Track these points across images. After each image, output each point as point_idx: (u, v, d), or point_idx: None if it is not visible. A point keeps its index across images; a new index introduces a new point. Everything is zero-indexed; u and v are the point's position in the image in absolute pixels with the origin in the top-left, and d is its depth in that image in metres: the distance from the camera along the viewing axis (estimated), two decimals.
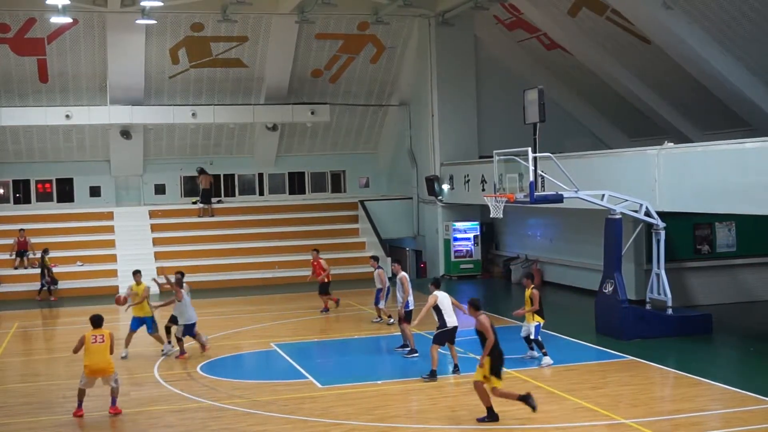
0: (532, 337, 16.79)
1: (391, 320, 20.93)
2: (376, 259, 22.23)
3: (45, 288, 28.57)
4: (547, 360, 16.50)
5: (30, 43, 29.48)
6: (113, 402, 14.06)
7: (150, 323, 18.58)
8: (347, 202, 35.18)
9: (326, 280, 23.95)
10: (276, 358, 18.38)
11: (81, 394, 14.01)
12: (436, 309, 15.73)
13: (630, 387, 14.79)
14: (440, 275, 31.26)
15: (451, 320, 15.73)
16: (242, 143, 34.93)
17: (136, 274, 18.76)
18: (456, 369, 15.98)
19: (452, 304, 15.92)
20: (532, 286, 16.84)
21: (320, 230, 33.52)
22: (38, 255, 30.03)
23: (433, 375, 15.51)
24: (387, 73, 33.84)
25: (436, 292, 15.89)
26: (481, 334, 13.01)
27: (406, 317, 17.80)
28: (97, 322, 14.11)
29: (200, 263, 30.92)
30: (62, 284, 29.43)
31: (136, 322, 18.55)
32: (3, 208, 32.78)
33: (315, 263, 24.21)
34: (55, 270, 29.93)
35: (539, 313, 16.71)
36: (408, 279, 18.30)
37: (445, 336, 15.74)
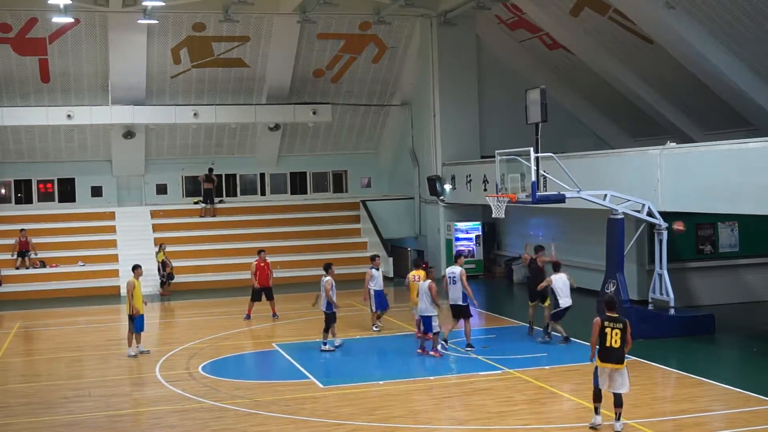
0: (627, 389, 12.68)
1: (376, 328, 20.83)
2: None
3: (164, 282, 29.03)
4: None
5: (31, 43, 29.46)
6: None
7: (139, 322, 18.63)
8: (349, 202, 35.17)
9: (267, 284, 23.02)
10: (278, 358, 18.36)
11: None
12: (552, 291, 18.16)
13: (632, 387, 14.61)
14: (442, 275, 31.23)
15: (563, 301, 18.02)
16: (244, 143, 34.91)
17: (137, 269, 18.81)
18: (566, 340, 18.36)
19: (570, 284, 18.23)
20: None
21: (322, 230, 33.54)
22: (39, 255, 30.14)
23: (567, 340, 18.27)
24: (389, 72, 33.81)
25: (553, 276, 18.19)
26: None
27: (466, 313, 17.98)
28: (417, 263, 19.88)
29: (202, 263, 30.92)
30: (63, 284, 29.47)
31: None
32: (4, 208, 32.76)
33: (262, 265, 23.16)
34: (55, 270, 29.98)
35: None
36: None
37: (560, 314, 18.21)
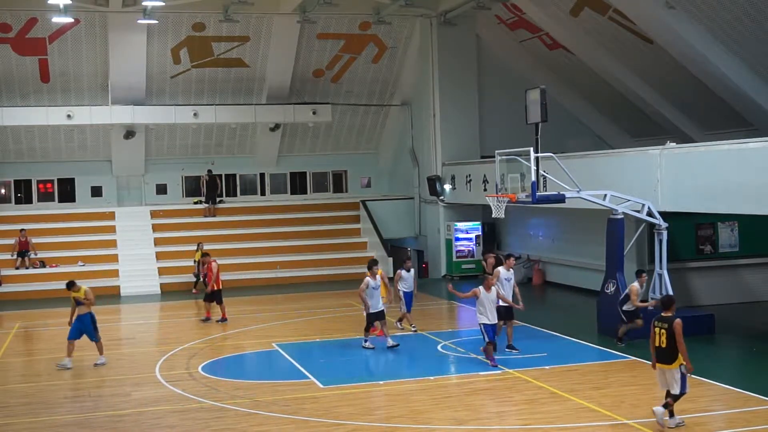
0: (677, 391, 12.35)
1: (414, 327, 20.70)
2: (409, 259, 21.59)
3: (200, 281, 28.74)
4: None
5: (31, 43, 29.47)
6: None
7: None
8: (349, 202, 35.17)
9: (216, 287, 22.90)
10: (278, 358, 18.36)
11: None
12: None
13: (632, 387, 14.75)
14: (442, 275, 31.31)
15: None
16: (244, 143, 34.91)
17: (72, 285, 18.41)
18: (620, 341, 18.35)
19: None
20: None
21: (321, 230, 33.54)
22: (38, 255, 30.13)
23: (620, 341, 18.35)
24: (388, 72, 33.81)
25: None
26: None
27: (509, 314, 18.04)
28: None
29: None
30: (63, 284, 29.12)
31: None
32: (4, 208, 32.76)
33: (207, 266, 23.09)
34: (55, 270, 29.97)
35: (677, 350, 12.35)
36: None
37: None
